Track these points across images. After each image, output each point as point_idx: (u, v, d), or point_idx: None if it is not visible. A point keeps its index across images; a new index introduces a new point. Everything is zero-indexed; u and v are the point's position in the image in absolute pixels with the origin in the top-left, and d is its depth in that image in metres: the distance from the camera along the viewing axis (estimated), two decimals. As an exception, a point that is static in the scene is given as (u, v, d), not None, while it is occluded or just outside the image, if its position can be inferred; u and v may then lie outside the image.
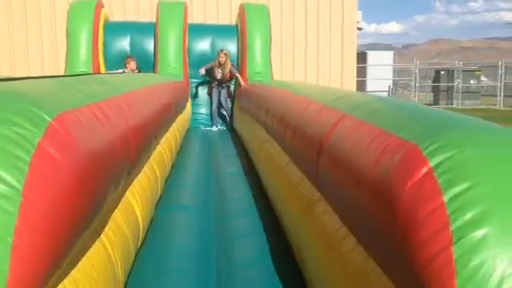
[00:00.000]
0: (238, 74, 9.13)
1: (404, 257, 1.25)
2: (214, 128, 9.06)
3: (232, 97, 9.48)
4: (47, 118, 1.40)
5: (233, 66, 9.16)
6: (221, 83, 9.16)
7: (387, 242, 1.38)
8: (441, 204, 1.17)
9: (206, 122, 9.35)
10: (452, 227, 1.14)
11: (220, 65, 8.96)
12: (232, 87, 9.48)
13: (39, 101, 1.47)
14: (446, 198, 1.18)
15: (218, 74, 9.01)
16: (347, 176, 1.83)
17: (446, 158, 1.26)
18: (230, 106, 9.39)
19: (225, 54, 8.90)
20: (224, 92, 9.24)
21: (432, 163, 1.27)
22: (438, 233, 1.15)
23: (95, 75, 3.71)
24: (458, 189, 1.18)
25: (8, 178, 1.16)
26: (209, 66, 9.00)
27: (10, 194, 1.15)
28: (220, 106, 9.24)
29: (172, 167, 4.87)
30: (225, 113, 9.28)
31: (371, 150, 1.64)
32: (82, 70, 8.73)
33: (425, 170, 1.27)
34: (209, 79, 9.34)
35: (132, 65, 8.79)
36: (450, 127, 1.43)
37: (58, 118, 1.46)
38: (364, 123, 1.91)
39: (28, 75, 2.63)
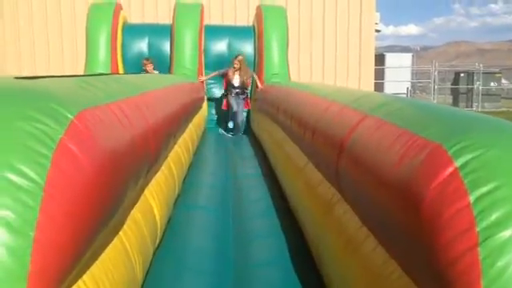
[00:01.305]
0: (255, 75, 8.84)
1: (428, 257, 1.22)
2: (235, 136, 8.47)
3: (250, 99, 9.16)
4: (68, 115, 1.41)
5: (248, 68, 8.78)
6: (239, 90, 8.61)
7: (410, 242, 1.36)
8: (467, 204, 1.15)
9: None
10: (478, 228, 1.12)
11: (236, 70, 8.54)
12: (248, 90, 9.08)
13: (61, 98, 1.48)
14: (472, 198, 1.16)
15: (236, 81, 8.53)
16: (369, 176, 1.80)
17: (471, 158, 1.24)
18: (244, 116, 8.89)
19: (239, 61, 8.50)
20: (242, 102, 8.67)
21: (457, 163, 1.24)
22: (463, 233, 1.13)
23: (114, 75, 3.75)
24: (484, 189, 1.16)
25: (30, 173, 1.18)
26: (218, 73, 8.72)
27: (31, 188, 1.16)
28: (236, 115, 8.63)
29: (189, 167, 4.88)
30: (240, 122, 8.67)
31: (394, 150, 1.62)
32: (100, 71, 8.83)
33: (450, 169, 1.24)
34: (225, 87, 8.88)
35: (149, 67, 8.83)
36: (474, 127, 1.41)
37: (79, 115, 1.47)
38: (386, 123, 1.88)
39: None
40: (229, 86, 8.66)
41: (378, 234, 1.80)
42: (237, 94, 8.60)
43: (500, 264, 1.06)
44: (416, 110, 1.88)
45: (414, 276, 1.42)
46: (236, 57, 8.66)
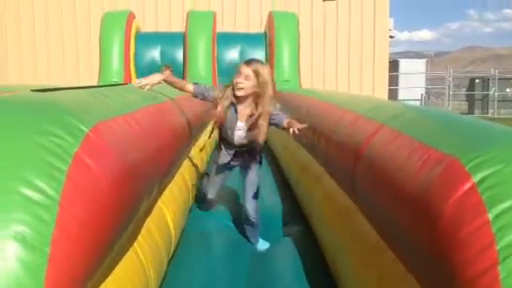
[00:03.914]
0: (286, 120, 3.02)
1: (446, 275, 1.20)
2: (262, 246, 3.27)
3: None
4: (84, 128, 1.42)
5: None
6: (239, 150, 3.26)
7: (427, 258, 1.33)
8: (486, 222, 1.12)
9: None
10: (498, 246, 1.09)
11: (241, 100, 3.11)
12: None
13: (76, 111, 1.49)
14: (491, 215, 1.13)
15: (240, 133, 3.15)
16: (384, 188, 1.78)
17: (490, 173, 1.21)
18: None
19: (248, 76, 3.09)
20: (253, 175, 3.28)
21: (475, 178, 1.21)
22: (483, 251, 1.10)
23: (129, 85, 3.77)
24: (503, 206, 1.13)
25: (46, 187, 1.18)
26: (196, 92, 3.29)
27: (47, 203, 1.16)
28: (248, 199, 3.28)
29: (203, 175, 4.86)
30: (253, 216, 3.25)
31: (410, 163, 1.59)
32: (114, 80, 8.90)
33: (468, 185, 1.21)
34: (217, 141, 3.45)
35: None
36: (493, 140, 1.37)
37: (95, 128, 1.48)
38: (402, 134, 1.85)
39: (64, 85, 2.69)
40: (222, 141, 3.31)
41: (394, 248, 1.77)
42: (236, 155, 3.28)
43: (520, 283, 1.03)
44: (433, 120, 1.85)
45: (432, 292, 1.39)
46: (239, 66, 3.16)
